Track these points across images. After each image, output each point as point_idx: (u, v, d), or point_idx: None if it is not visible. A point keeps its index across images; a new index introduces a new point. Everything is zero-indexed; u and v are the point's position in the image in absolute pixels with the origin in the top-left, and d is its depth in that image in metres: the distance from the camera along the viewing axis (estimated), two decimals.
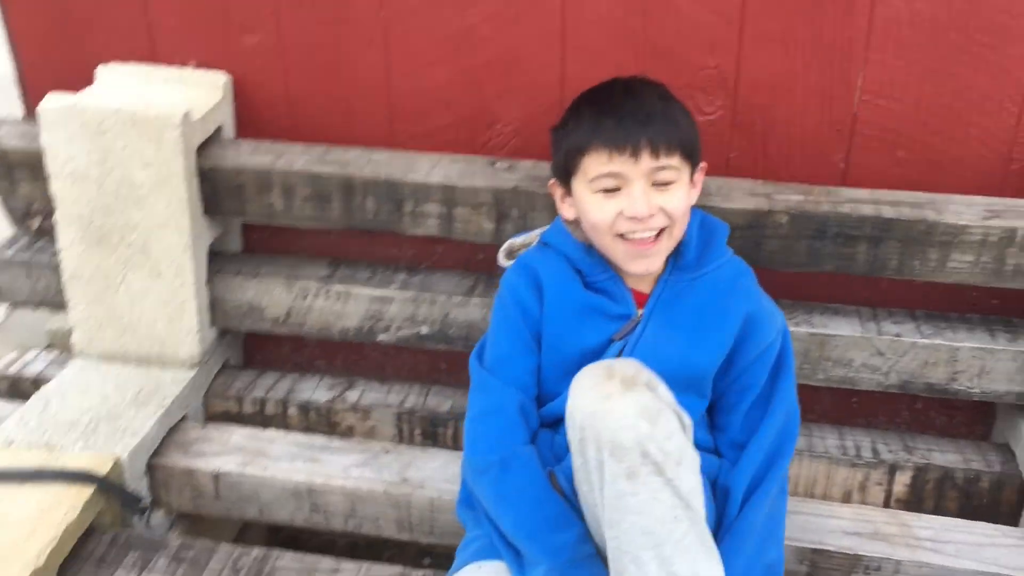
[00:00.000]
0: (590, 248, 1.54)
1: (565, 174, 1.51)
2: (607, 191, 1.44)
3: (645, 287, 1.53)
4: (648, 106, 1.44)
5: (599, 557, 1.30)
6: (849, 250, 1.67)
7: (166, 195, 1.72)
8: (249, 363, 2.14)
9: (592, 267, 1.53)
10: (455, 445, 1.91)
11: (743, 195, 1.69)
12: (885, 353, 1.73)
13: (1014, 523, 1.77)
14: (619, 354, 1.48)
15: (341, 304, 1.85)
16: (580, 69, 1.79)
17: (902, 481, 1.81)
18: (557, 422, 1.51)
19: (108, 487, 1.59)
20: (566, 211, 1.56)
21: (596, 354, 1.49)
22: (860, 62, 1.72)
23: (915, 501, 1.82)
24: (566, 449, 1.44)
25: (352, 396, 1.95)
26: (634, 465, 1.17)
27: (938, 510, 1.81)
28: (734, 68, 1.75)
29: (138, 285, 1.81)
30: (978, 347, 1.71)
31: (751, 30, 1.72)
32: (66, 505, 1.53)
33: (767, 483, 1.43)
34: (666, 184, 1.43)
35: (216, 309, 1.89)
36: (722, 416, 1.54)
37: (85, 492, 1.57)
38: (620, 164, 1.41)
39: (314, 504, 1.71)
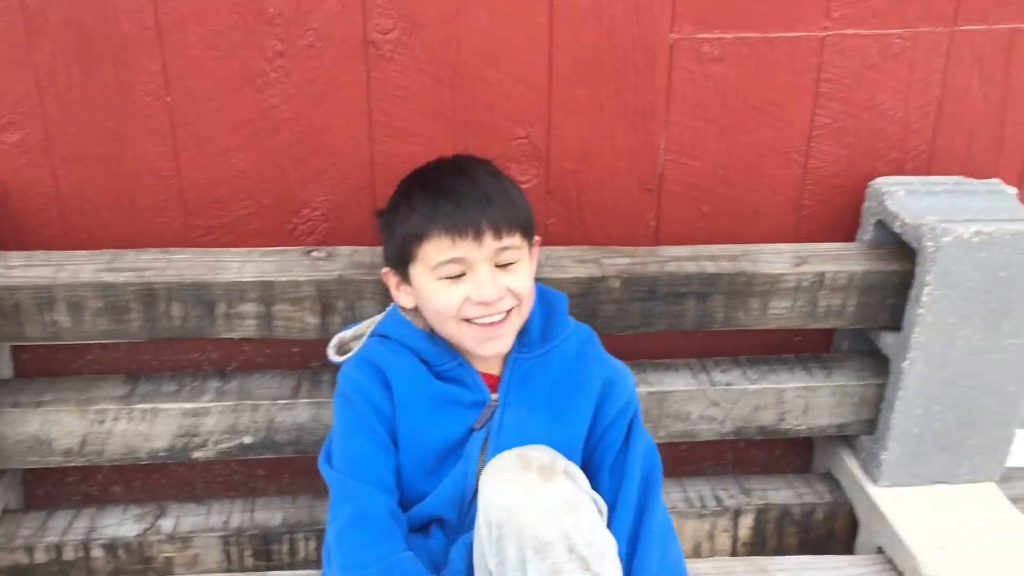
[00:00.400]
0: (433, 335, 1.46)
1: (401, 262, 1.43)
2: (450, 278, 1.37)
3: (494, 369, 1.48)
4: (484, 186, 1.40)
5: None
6: (679, 307, 1.69)
7: None
8: (31, 503, 1.86)
9: (439, 356, 1.45)
10: (294, 562, 1.74)
11: (573, 263, 1.67)
12: (720, 403, 1.77)
13: (849, 550, 1.86)
14: (484, 443, 1.41)
15: (148, 424, 1.65)
16: (390, 147, 1.71)
17: (746, 525, 1.85)
18: (426, 526, 1.40)
19: None
20: (403, 300, 1.48)
21: (458, 446, 1.42)
22: (662, 124, 1.76)
23: (759, 543, 1.87)
24: (442, 554, 1.35)
25: (166, 524, 1.74)
26: (560, 561, 1.11)
27: (780, 548, 1.87)
28: (545, 137, 1.75)
29: None
30: (801, 386, 1.79)
31: (559, 99, 1.72)
32: None
33: (646, 531, 1.38)
34: (510, 264, 1.39)
35: None
36: (590, 480, 1.50)
37: None
38: (463, 249, 1.35)
39: None
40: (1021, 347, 1.70)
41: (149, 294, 1.56)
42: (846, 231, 1.88)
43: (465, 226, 1.35)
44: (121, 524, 1.73)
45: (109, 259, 1.60)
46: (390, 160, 1.71)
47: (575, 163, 1.77)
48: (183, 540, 1.71)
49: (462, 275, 1.37)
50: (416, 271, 1.41)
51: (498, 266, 1.38)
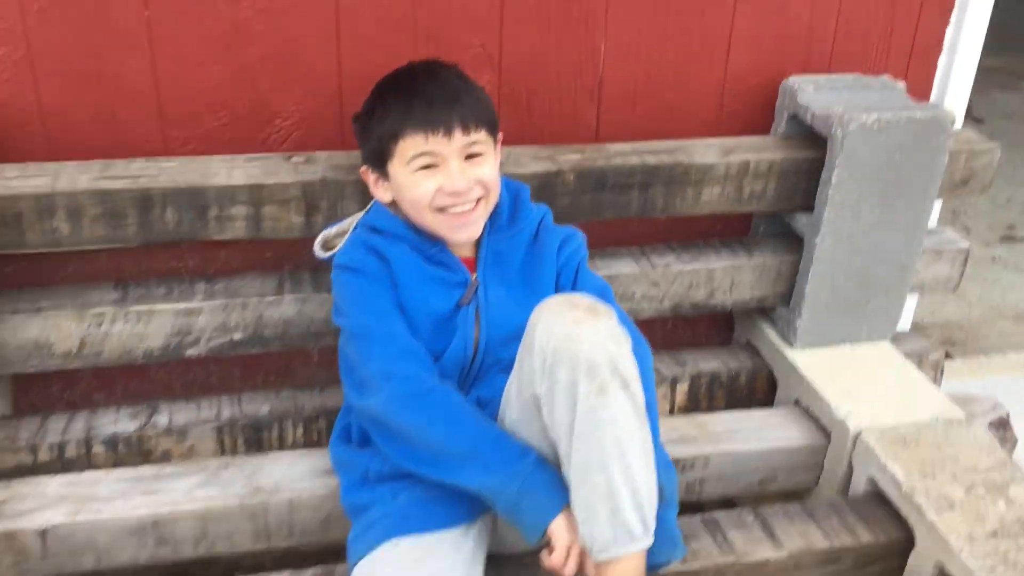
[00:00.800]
0: (413, 225, 1.62)
1: (379, 160, 1.58)
2: (425, 168, 1.53)
3: (469, 252, 1.65)
4: (452, 87, 1.55)
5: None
6: (625, 197, 1.89)
7: None
8: (17, 412, 1.94)
9: (421, 242, 1.61)
10: (283, 447, 1.89)
11: (531, 160, 1.85)
12: (659, 283, 1.99)
13: (770, 405, 2.13)
14: (476, 317, 1.58)
15: (144, 325, 1.75)
16: (357, 58, 1.83)
17: (682, 391, 2.10)
18: None
19: None
20: (382, 195, 1.63)
21: (449, 319, 1.58)
22: (602, 32, 1.94)
23: (693, 406, 2.12)
24: None
25: (161, 420, 1.86)
26: (605, 381, 1.29)
27: (711, 409, 2.13)
28: (498, 46, 1.90)
29: None
30: (728, 265, 2.03)
31: (510, 10, 1.87)
32: None
33: None
34: (477, 156, 1.55)
35: None
36: None
37: None
38: (435, 143, 1.51)
39: (160, 537, 1.63)
40: (911, 220, 1.98)
41: (145, 200, 1.66)
42: (761, 126, 2.11)
43: (437, 123, 1.51)
44: (117, 423, 1.84)
45: (101, 168, 1.68)
46: (357, 70, 1.83)
47: (525, 69, 1.93)
48: (179, 433, 1.84)
49: (435, 166, 1.53)
50: (394, 166, 1.56)
51: (467, 158, 1.55)
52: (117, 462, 1.81)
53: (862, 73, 2.11)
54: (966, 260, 2.20)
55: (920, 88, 2.18)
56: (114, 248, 1.79)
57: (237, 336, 1.81)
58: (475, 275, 1.62)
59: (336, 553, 1.58)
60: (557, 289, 1.65)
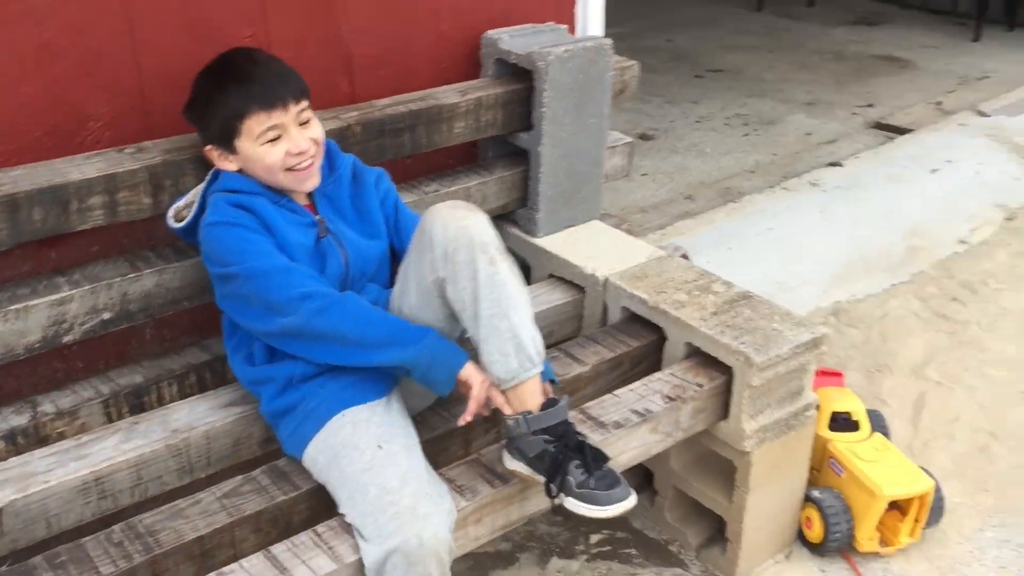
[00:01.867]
0: (262, 183, 1.98)
1: (226, 138, 1.92)
2: (271, 140, 1.90)
3: (306, 200, 2.04)
4: (274, 69, 1.95)
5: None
6: (399, 140, 2.37)
7: None
8: None
9: (273, 195, 1.98)
10: (162, 405, 2.14)
11: (322, 120, 2.24)
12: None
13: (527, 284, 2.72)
14: (342, 247, 1.97)
15: (23, 322, 1.91)
16: (153, 61, 2.11)
17: None
18: None
19: None
20: (228, 166, 1.97)
21: (316, 250, 1.97)
22: (343, 15, 2.39)
23: None
24: None
25: (48, 408, 2.03)
26: (494, 255, 1.75)
27: None
28: (266, 33, 2.28)
29: None
30: (478, 183, 2.58)
31: (271, 4, 2.25)
32: None
33: None
34: (307, 122, 1.96)
35: None
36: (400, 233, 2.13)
37: None
38: (277, 117, 1.90)
39: (102, 491, 1.85)
40: (596, 124, 2.66)
41: (13, 204, 1.84)
42: (470, 74, 2.68)
43: (275, 101, 1.89)
44: (7, 419, 1.98)
45: None
46: (155, 71, 2.12)
47: (290, 52, 2.30)
48: (70, 414, 2.02)
49: (278, 137, 1.91)
50: (242, 142, 1.91)
51: (300, 124, 1.94)
52: (20, 452, 1.96)
53: (533, 23, 2.75)
54: (631, 151, 2.95)
55: (569, 28, 2.88)
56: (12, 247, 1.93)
57: (106, 316, 2.03)
58: (318, 215, 2.01)
59: (247, 469, 1.91)
60: (384, 216, 2.09)
